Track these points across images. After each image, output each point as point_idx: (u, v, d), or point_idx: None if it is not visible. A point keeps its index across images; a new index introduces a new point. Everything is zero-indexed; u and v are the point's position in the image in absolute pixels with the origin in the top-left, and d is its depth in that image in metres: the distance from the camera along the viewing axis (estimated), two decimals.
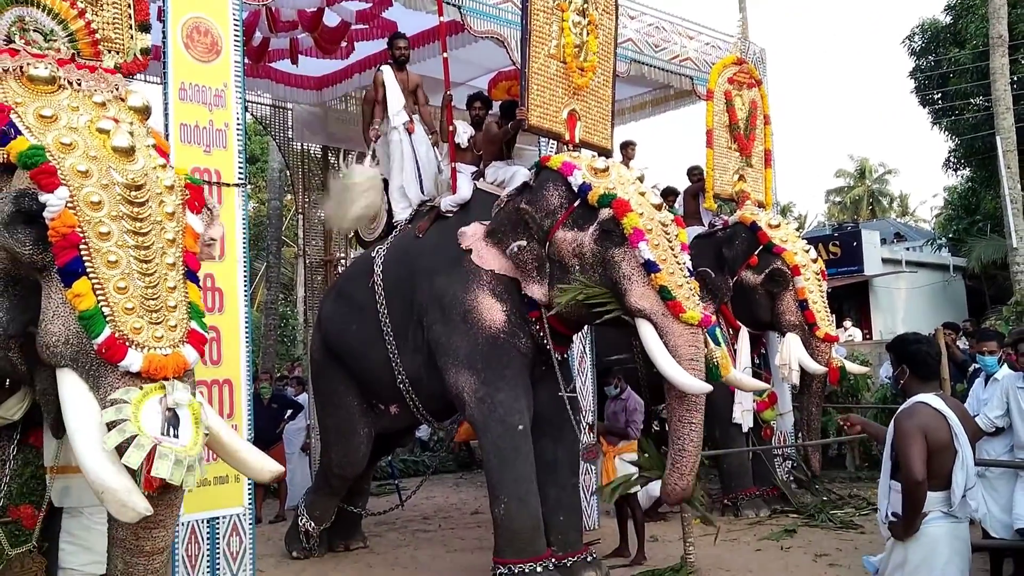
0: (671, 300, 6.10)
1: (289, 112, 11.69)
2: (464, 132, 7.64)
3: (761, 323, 9.59)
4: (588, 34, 7.08)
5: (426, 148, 7.99)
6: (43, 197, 3.43)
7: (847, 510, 9.28)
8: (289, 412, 10.82)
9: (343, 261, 12.10)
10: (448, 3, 8.03)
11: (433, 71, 8.51)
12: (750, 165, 10.22)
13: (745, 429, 9.43)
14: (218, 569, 6.34)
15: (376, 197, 7.97)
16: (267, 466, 4.00)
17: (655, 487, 8.69)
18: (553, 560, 6.53)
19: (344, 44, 10.28)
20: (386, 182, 8.10)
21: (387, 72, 8.05)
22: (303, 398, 11.37)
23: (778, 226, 9.65)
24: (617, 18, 7.57)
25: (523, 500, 6.45)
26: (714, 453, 8.97)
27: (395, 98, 7.96)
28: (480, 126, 7.65)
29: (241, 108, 6.91)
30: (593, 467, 8.69)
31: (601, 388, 8.65)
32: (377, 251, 7.66)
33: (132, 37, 4.39)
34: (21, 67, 3.80)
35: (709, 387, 6.19)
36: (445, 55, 7.77)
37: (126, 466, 3.26)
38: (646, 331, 6.17)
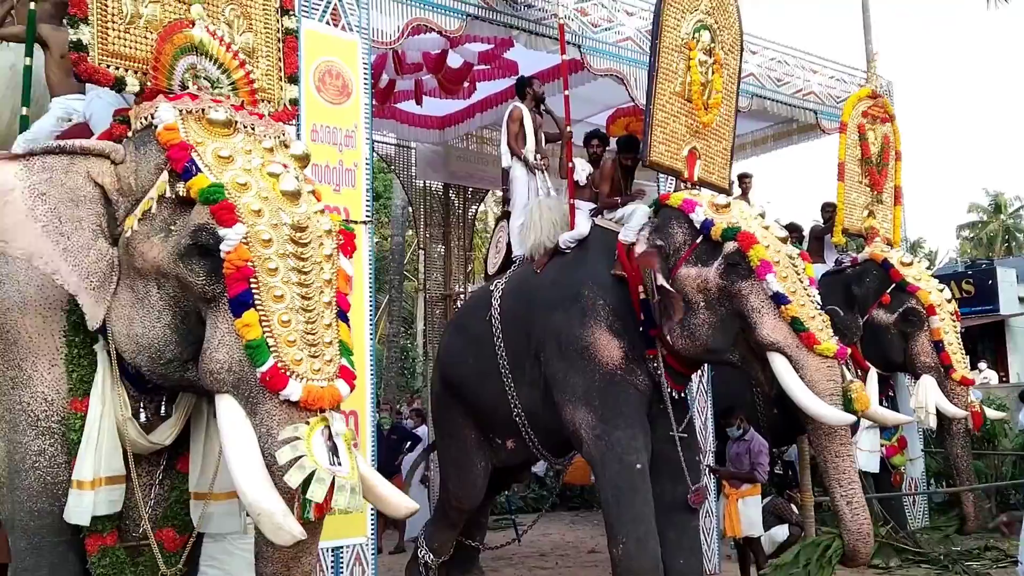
0: (804, 331, 5.95)
1: (413, 151, 12.02)
2: (582, 169, 7.68)
3: (893, 364, 9.24)
4: (713, 72, 7.07)
5: (546, 186, 8.06)
6: (221, 232, 3.61)
7: (983, 562, 8.81)
8: (408, 444, 11.02)
9: (462, 296, 12.30)
10: (568, 42, 8.14)
11: (552, 108, 8.61)
12: (880, 201, 9.92)
13: (874, 470, 9.09)
14: None
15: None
16: (404, 503, 4.08)
17: (778, 532, 8.49)
18: None
19: (466, 84, 10.54)
20: (508, 215, 8.21)
21: (524, 110, 8.18)
22: (422, 430, 11.56)
23: (910, 263, 9.33)
24: (741, 56, 7.53)
25: (642, 540, 6.36)
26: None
27: (528, 138, 8.08)
28: (598, 163, 7.69)
29: (369, 148, 7.14)
30: (714, 510, 8.52)
31: (721, 428, 8.50)
32: (495, 285, 7.75)
33: (282, 88, 4.67)
34: (202, 110, 4.03)
35: (852, 417, 6.01)
36: (566, 93, 7.87)
37: (310, 499, 3.39)
38: (780, 365, 6.02)
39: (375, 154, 10.88)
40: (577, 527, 12.07)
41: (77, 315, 4.10)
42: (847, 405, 6.12)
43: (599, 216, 7.32)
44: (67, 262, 3.84)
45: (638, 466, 6.41)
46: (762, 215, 6.58)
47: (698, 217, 6.39)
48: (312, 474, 3.38)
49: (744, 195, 9.54)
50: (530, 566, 9.29)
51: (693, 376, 7.41)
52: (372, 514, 6.67)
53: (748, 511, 7.63)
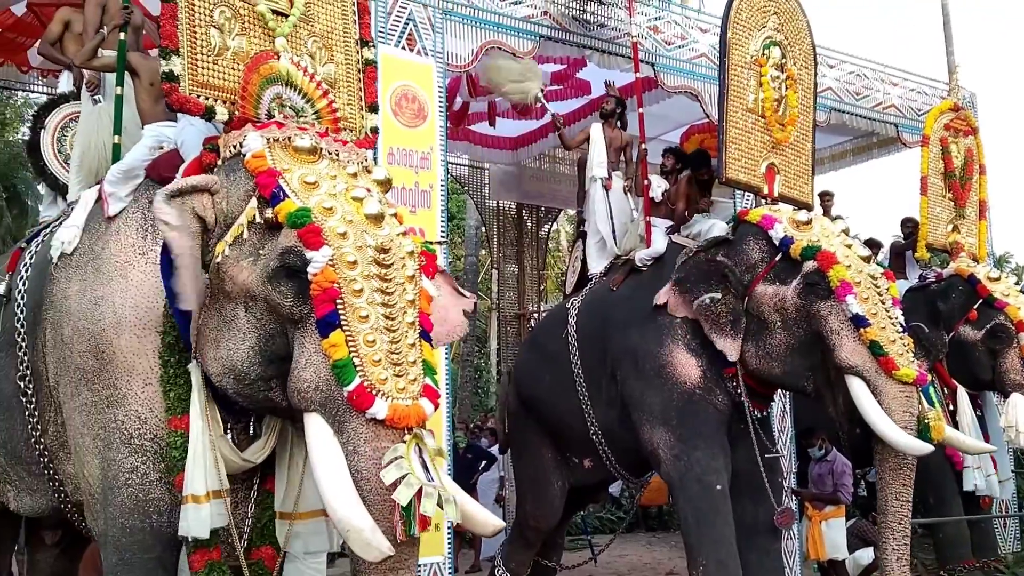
0: (883, 356, 5.85)
1: (486, 171, 12.12)
2: (658, 186, 7.68)
3: (980, 382, 8.96)
4: (787, 88, 7.01)
5: (622, 203, 8.06)
6: (308, 254, 3.70)
7: None
8: (483, 463, 11.03)
9: (536, 314, 12.32)
10: (642, 60, 8.14)
11: (628, 127, 8.61)
12: (964, 215, 9.66)
13: (996, 495, 8.82)
14: None
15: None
16: (490, 520, 4.12)
17: (863, 555, 8.28)
18: None
19: (539, 105, 10.57)
20: (584, 234, 8.23)
21: (595, 129, 8.20)
22: (496, 449, 11.56)
23: (998, 279, 9.04)
24: (816, 71, 7.44)
25: (723, 563, 6.26)
26: (931, 521, 8.44)
27: (598, 153, 8.11)
28: (674, 180, 7.66)
29: (444, 169, 7.23)
30: (796, 532, 8.36)
31: (802, 449, 8.34)
32: (571, 303, 7.75)
33: (363, 117, 4.79)
34: (288, 137, 4.15)
35: (929, 447, 5.88)
36: (640, 111, 7.88)
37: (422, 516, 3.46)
38: (858, 388, 5.93)
39: (449, 175, 11.01)
40: (655, 548, 11.92)
41: (172, 336, 4.24)
42: (923, 433, 6.00)
43: (675, 233, 7.29)
44: (197, 297, 4.00)
45: (718, 487, 6.33)
46: (845, 231, 6.48)
47: (777, 234, 6.32)
48: (419, 491, 3.45)
49: (826, 214, 9.39)
50: None
51: (773, 396, 7.28)
52: (449, 533, 6.70)
53: (832, 533, 7.47)
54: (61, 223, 5.00)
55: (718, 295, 6.33)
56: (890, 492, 5.97)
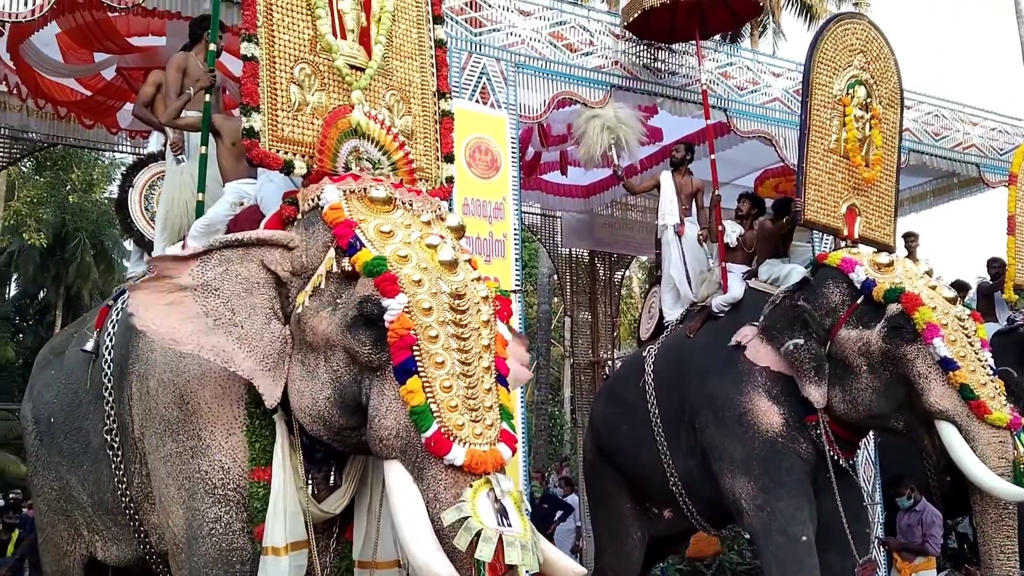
0: (974, 400, 5.67)
1: (558, 220, 12.15)
2: (733, 232, 7.60)
3: None
4: (871, 128, 6.92)
5: (696, 250, 8.00)
6: (385, 302, 3.75)
7: None
8: (559, 513, 10.92)
9: (610, 362, 12.23)
10: (713, 107, 8.13)
11: (701, 173, 8.57)
12: None
13: None
14: None
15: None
16: (571, 567, 4.06)
17: None
18: None
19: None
20: (659, 280, 8.18)
21: (665, 176, 8.19)
22: (572, 499, 11.44)
23: None
24: (903, 110, 7.33)
25: None
26: None
27: (668, 200, 8.08)
28: (748, 225, 7.59)
29: (517, 219, 7.28)
30: None
31: (890, 498, 8.07)
32: (648, 351, 7.67)
33: (439, 167, 4.85)
34: (364, 189, 4.23)
35: None
36: (712, 157, 7.84)
37: (478, 559, 3.43)
38: (949, 434, 5.74)
39: (522, 224, 11.07)
40: None
41: None
42: (1019, 478, 5.77)
43: (753, 279, 7.19)
44: (242, 349, 4.03)
45: (803, 538, 6.16)
46: (929, 273, 6.32)
47: (858, 277, 6.19)
48: (478, 534, 3.41)
49: (910, 255, 9.18)
50: None
51: (860, 444, 7.07)
52: None
53: None
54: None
55: (800, 341, 6.21)
56: (994, 545, 5.74)
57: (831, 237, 7.79)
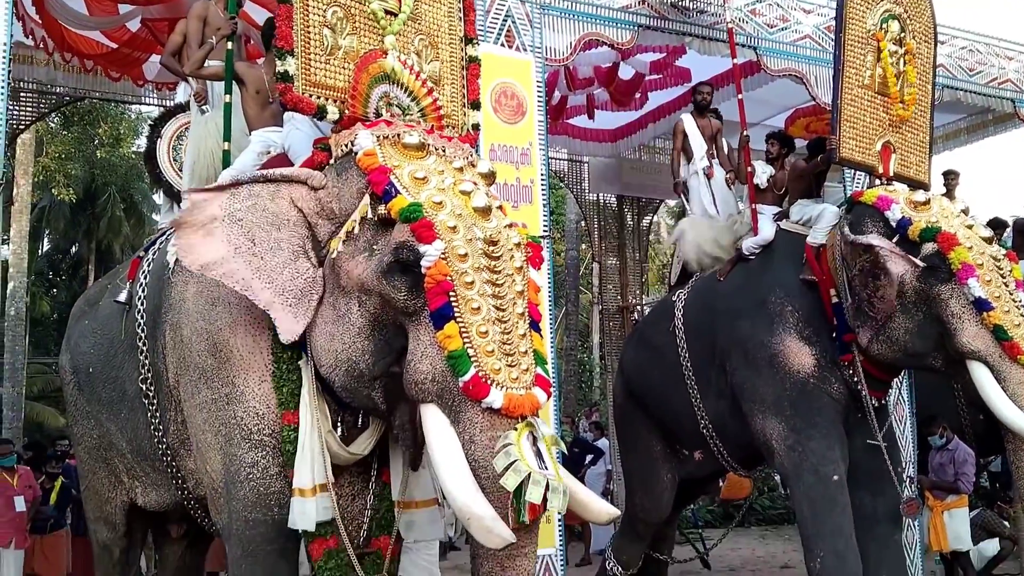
0: (1007, 341, 5.62)
1: (585, 165, 12.06)
2: (763, 172, 7.51)
3: None
4: (905, 63, 6.77)
5: (724, 193, 7.92)
6: (421, 248, 3.76)
7: None
8: (590, 457, 11.01)
9: (639, 307, 12.22)
10: (743, 45, 7.98)
11: (729, 113, 8.46)
12: None
13: None
14: None
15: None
16: (604, 508, 4.14)
17: (987, 546, 7.96)
18: None
19: (638, 95, 10.50)
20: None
21: (687, 120, 8.09)
22: (603, 443, 11.52)
23: None
24: (936, 45, 7.17)
25: (841, 555, 6.11)
26: None
27: (696, 145, 7.98)
28: (779, 166, 7.49)
29: (544, 164, 7.21)
30: (916, 523, 8.08)
31: (923, 438, 8.06)
32: (677, 296, 7.65)
33: (465, 114, 4.81)
34: (398, 135, 4.22)
35: None
36: (740, 96, 7.72)
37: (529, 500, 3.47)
38: (981, 375, 5.70)
39: (549, 170, 11.00)
40: (768, 542, 11.71)
41: None
42: None
43: (784, 220, 7.12)
44: (260, 280, 4.06)
45: (835, 477, 6.18)
46: (965, 211, 6.23)
47: (894, 215, 6.11)
48: (527, 477, 3.45)
49: (949, 194, 9.03)
50: None
51: (892, 383, 7.04)
52: (560, 526, 6.69)
53: (955, 524, 7.23)
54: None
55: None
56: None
57: (864, 177, 7.68)
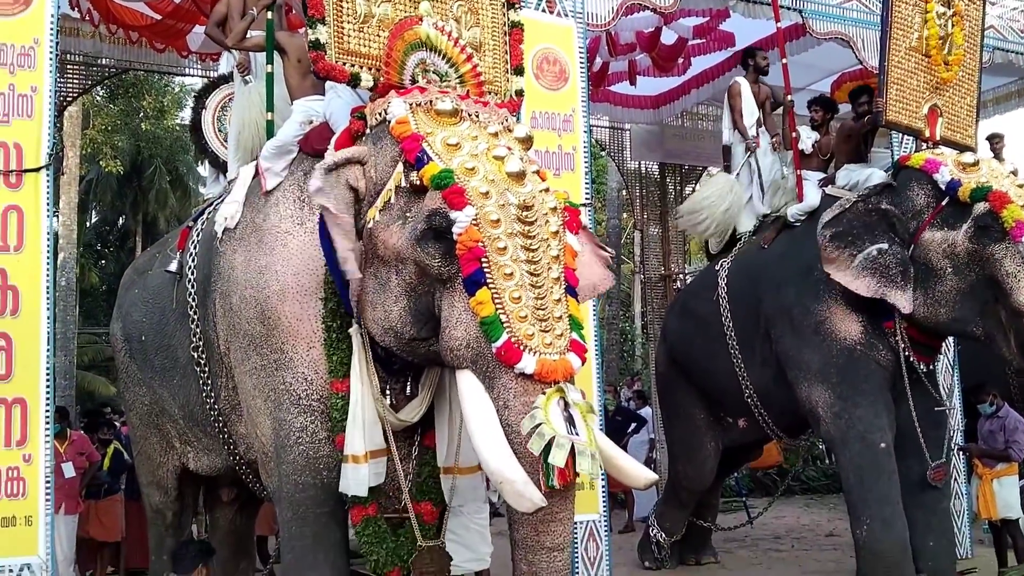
0: None
1: (627, 132, 11.96)
2: (808, 138, 7.42)
3: None
4: (953, 25, 6.65)
5: (770, 160, 7.83)
6: (453, 215, 3.78)
7: None
8: (633, 425, 11.01)
9: (681, 276, 12.15)
10: (788, 8, 7.84)
11: (772, 78, 8.33)
12: None
13: None
14: (576, 572, 6.54)
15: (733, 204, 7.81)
16: (643, 473, 4.16)
17: None
18: None
19: (681, 60, 10.37)
20: None
21: (743, 83, 7.97)
22: (646, 412, 11.52)
23: None
24: (985, 6, 7.01)
25: (887, 522, 6.09)
26: None
27: (750, 112, 7.87)
28: (824, 132, 7.39)
29: (586, 131, 7.18)
30: (965, 491, 8.01)
31: (971, 405, 7.96)
32: (721, 264, 7.61)
33: (508, 80, 4.79)
34: (430, 101, 4.22)
35: None
36: (784, 61, 7.61)
37: (552, 464, 3.49)
38: None
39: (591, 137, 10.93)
40: (812, 510, 11.66)
41: (333, 302, 4.40)
42: None
43: (829, 185, 7.03)
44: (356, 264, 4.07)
45: (882, 445, 6.15)
46: (1014, 173, 6.11)
47: (943, 178, 6.02)
48: (551, 441, 3.47)
49: (996, 158, 8.84)
50: (764, 548, 9.06)
51: (939, 350, 6.95)
52: (603, 492, 6.73)
53: (1004, 492, 7.12)
54: (223, 200, 5.24)
55: (885, 246, 6.07)
56: None
57: (911, 142, 7.55)
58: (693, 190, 13.39)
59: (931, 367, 6.55)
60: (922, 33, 6.55)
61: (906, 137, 7.76)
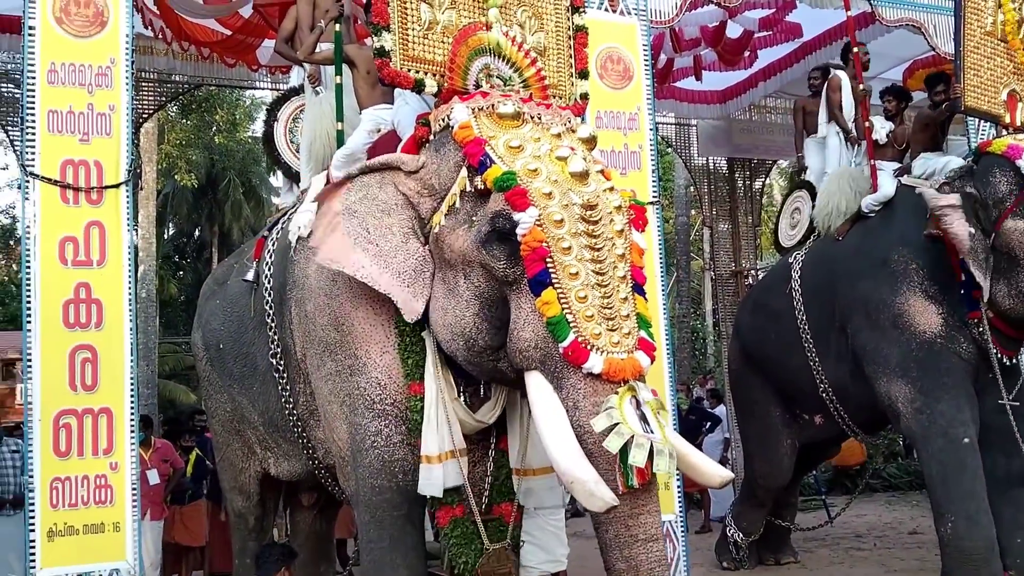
0: None
1: (693, 128, 11.86)
2: (881, 128, 7.27)
3: None
4: None
5: (836, 151, 7.70)
6: (516, 216, 3.81)
7: None
8: (707, 425, 10.91)
9: (752, 272, 12.00)
10: None
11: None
12: None
13: None
14: None
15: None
16: (717, 471, 4.14)
17: None
18: None
19: (747, 54, 10.25)
20: (805, 184, 7.91)
21: (844, 77, 7.81)
22: (720, 410, 11.40)
23: None
24: None
25: (973, 519, 5.94)
26: None
27: (849, 105, 7.72)
28: (899, 121, 7.23)
29: (652, 128, 7.14)
30: None
31: None
32: (794, 257, 7.50)
33: (573, 84, 4.80)
34: (492, 105, 4.25)
35: None
36: (856, 50, 7.47)
37: (632, 465, 3.50)
38: None
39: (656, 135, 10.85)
40: (895, 508, 11.40)
41: None
42: None
43: (905, 175, 6.88)
44: (378, 266, 4.17)
45: (966, 440, 6.00)
46: None
47: None
48: (630, 440, 3.47)
49: None
50: (845, 547, 8.88)
51: None
52: (679, 491, 6.68)
53: None
54: (296, 209, 5.34)
55: (975, 231, 5.93)
56: None
57: (988, 128, 7.35)
58: (763, 185, 13.24)
59: (1015, 359, 6.36)
60: (996, 17, 6.43)
61: (983, 124, 7.56)
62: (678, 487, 6.64)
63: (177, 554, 8.31)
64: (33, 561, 5.22)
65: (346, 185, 4.34)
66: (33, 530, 5.25)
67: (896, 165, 7.06)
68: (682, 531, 6.68)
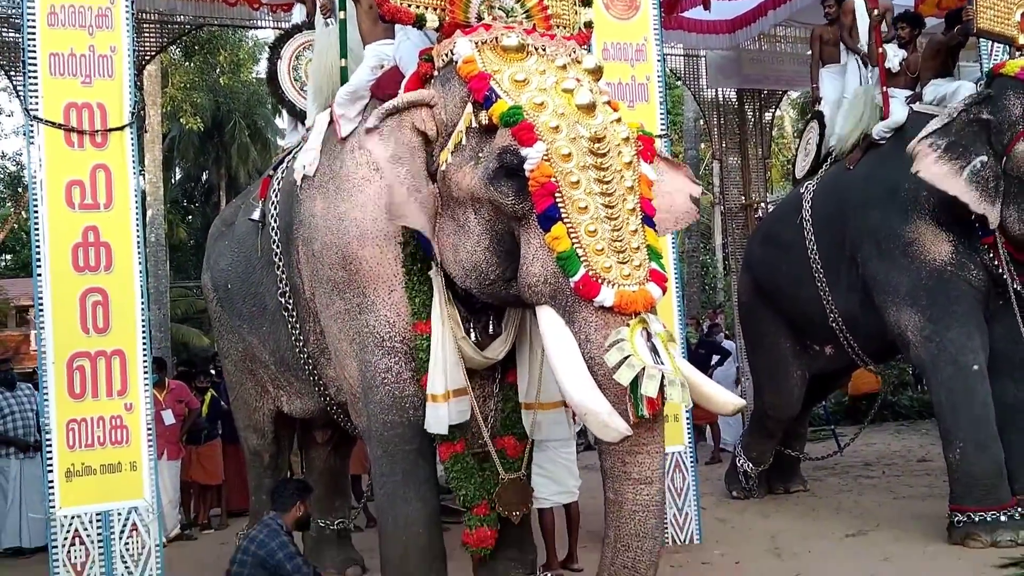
0: None
1: (702, 60, 11.67)
2: (894, 55, 7.15)
3: None
4: None
5: (856, 78, 7.59)
6: (523, 151, 3.76)
7: None
8: (717, 358, 10.94)
9: (762, 205, 11.93)
10: None
11: None
12: None
13: None
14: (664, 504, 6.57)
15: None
16: (730, 399, 4.12)
17: None
18: (1020, 510, 5.96)
19: None
20: (818, 115, 7.82)
21: (858, 2, 7.66)
22: (730, 344, 11.42)
23: None
24: None
25: (982, 445, 5.97)
26: None
27: (862, 29, 7.58)
28: (912, 49, 7.10)
29: (660, 60, 7.02)
30: None
31: None
32: (806, 187, 7.45)
33: (576, 12, 4.67)
34: (496, 38, 4.17)
35: None
36: None
37: (645, 395, 3.50)
38: None
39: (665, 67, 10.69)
40: (903, 436, 11.47)
41: (412, 245, 4.44)
42: None
43: (917, 102, 6.78)
44: (421, 212, 4.10)
45: (975, 367, 6.01)
46: None
47: None
48: (641, 371, 3.48)
49: None
50: (854, 475, 8.97)
51: None
52: (688, 424, 6.72)
53: None
54: (301, 148, 5.31)
55: (986, 158, 5.86)
56: None
57: (1002, 51, 7.22)
58: (773, 116, 13.08)
59: None
60: None
61: (995, 49, 7.42)
62: (688, 419, 6.69)
63: (195, 493, 8.46)
64: (53, 501, 5.32)
65: (375, 135, 4.17)
66: (51, 470, 5.33)
67: (908, 92, 6.96)
68: (692, 462, 6.74)
